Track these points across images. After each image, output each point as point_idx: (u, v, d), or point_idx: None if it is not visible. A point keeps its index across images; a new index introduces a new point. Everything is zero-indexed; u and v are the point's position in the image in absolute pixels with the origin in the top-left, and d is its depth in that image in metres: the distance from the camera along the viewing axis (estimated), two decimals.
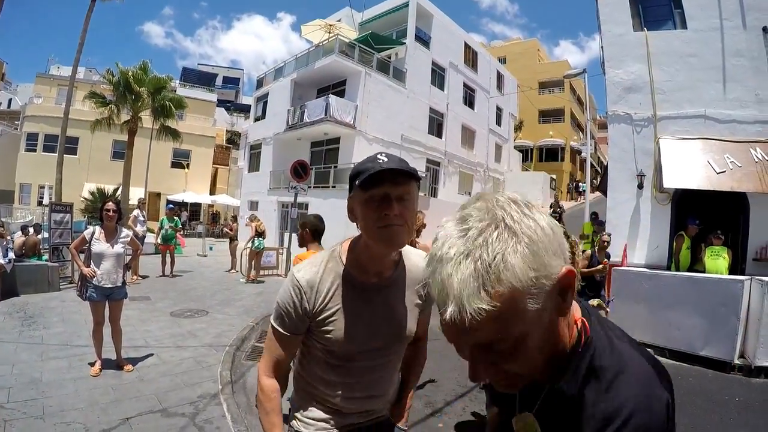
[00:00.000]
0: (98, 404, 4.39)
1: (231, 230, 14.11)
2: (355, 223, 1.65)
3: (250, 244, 12.67)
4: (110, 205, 5.42)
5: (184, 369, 5.62)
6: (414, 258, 1.80)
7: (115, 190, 26.42)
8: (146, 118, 24.79)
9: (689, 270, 7.47)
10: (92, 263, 5.18)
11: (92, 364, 5.21)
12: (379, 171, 1.49)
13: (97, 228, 5.43)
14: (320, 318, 1.65)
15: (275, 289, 11.01)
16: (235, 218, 13.96)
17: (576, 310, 0.96)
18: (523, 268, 0.75)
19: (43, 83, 32.58)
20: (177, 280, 11.91)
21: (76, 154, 29.34)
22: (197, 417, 4.37)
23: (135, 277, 11.27)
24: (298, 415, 1.82)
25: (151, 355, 6.06)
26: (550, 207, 17.70)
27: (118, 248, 5.40)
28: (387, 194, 1.52)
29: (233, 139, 42.15)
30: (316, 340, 1.70)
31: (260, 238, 12.81)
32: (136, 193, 24.35)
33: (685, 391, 5.48)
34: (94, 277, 5.10)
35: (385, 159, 1.55)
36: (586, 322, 0.94)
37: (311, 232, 4.94)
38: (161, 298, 9.60)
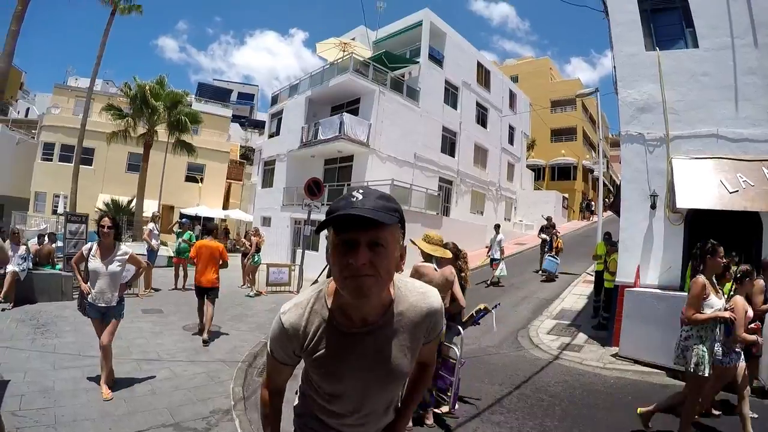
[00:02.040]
0: (110, 416, 4.42)
1: (250, 245, 13.56)
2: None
3: (251, 259, 12.80)
4: (106, 220, 5.07)
5: (196, 384, 5.66)
6: (411, 298, 1.68)
7: (129, 202, 26.85)
8: (162, 131, 25.35)
9: None
10: (89, 280, 5.06)
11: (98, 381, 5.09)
12: (340, 216, 1.37)
13: (94, 244, 5.16)
14: (307, 358, 1.67)
15: None
16: (257, 232, 13.95)
17: None
18: None
19: (60, 94, 33.32)
20: (189, 293, 11.90)
21: (91, 165, 29.91)
22: None
23: (148, 289, 11.39)
24: (299, 423, 1.91)
25: (164, 368, 6.07)
26: (540, 230, 17.48)
27: (114, 267, 5.06)
28: (354, 240, 1.38)
29: (247, 154, 42.60)
30: (309, 372, 1.74)
31: (258, 253, 12.92)
32: (150, 206, 24.74)
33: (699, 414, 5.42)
34: (89, 294, 4.98)
35: (360, 197, 1.40)
36: None
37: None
38: (174, 311, 9.71)
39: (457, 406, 5.19)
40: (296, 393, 1.96)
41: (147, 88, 24.35)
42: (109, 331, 5.02)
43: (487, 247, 16.01)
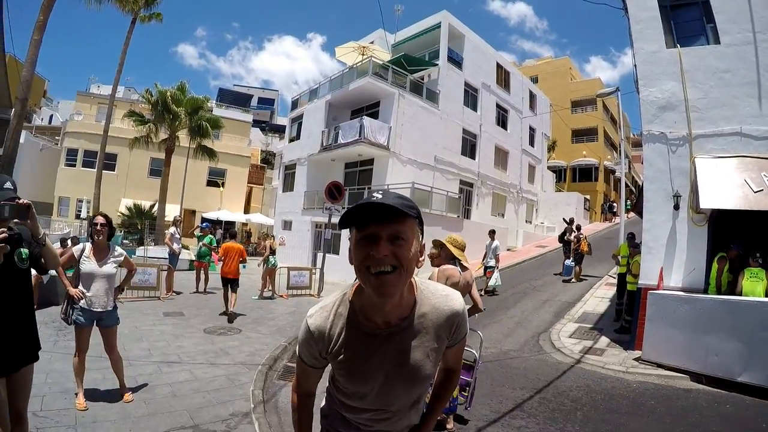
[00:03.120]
0: (130, 417, 4.45)
1: (264, 249, 13.77)
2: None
3: (264, 263, 12.93)
4: (99, 218, 4.68)
5: (216, 386, 5.67)
6: (433, 300, 1.70)
7: (152, 206, 27.36)
8: (183, 137, 25.75)
9: (725, 293, 7.23)
10: (80, 284, 4.65)
11: (76, 395, 4.64)
12: (363, 205, 1.43)
13: (87, 245, 4.78)
14: (333, 360, 1.70)
15: (308, 308, 11.05)
16: (267, 235, 14.10)
17: None
18: None
19: (83, 101, 34.09)
20: (210, 297, 12.10)
21: (114, 170, 30.61)
22: None
23: (169, 293, 11.57)
24: (325, 423, 1.95)
25: (185, 371, 6.12)
26: (563, 234, 17.26)
27: (109, 268, 4.75)
28: (375, 234, 1.43)
29: (268, 159, 43.03)
30: (334, 373, 1.77)
31: (273, 256, 13.02)
32: (172, 210, 25.14)
33: (722, 419, 5.31)
34: (81, 299, 4.56)
35: (380, 196, 1.45)
36: None
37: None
38: (195, 314, 9.79)
39: (471, 406, 5.15)
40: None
41: (168, 94, 24.82)
42: (112, 344, 4.85)
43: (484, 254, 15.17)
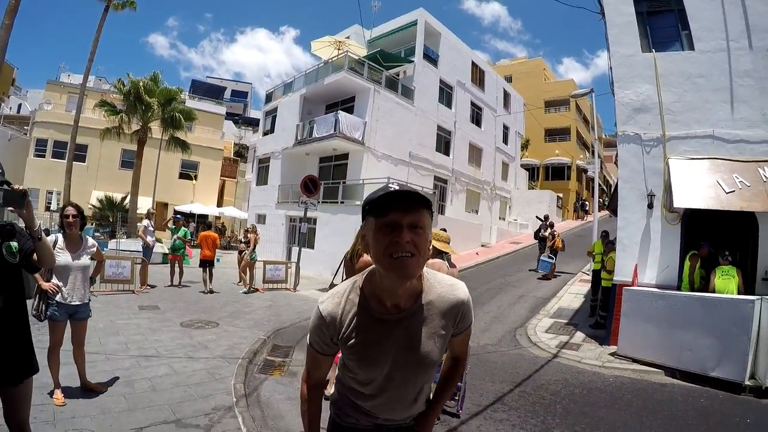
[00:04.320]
0: (111, 412, 4.40)
1: (247, 242, 13.49)
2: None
3: (247, 256, 12.86)
4: (70, 209, 4.54)
5: (197, 380, 5.62)
6: (439, 288, 1.78)
7: (123, 199, 26.86)
8: (156, 128, 25.32)
9: (698, 290, 7.48)
10: (54, 277, 4.51)
11: (51, 393, 4.50)
12: (389, 195, 1.52)
13: (60, 236, 4.62)
14: (343, 346, 1.77)
15: (284, 302, 11.39)
16: (254, 229, 14.00)
17: None
18: None
19: (53, 90, 33.19)
20: (185, 290, 11.98)
21: (84, 162, 29.82)
22: (212, 429, 4.38)
23: (144, 286, 11.40)
24: (334, 408, 2.01)
25: (164, 365, 6.04)
26: (538, 230, 17.65)
27: (84, 260, 4.71)
28: (397, 221, 1.51)
29: (241, 152, 42.66)
30: (345, 359, 1.84)
31: (254, 251, 13.04)
32: (144, 203, 24.73)
33: (697, 413, 5.49)
34: (56, 293, 4.45)
35: (396, 187, 1.56)
36: None
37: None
38: (170, 308, 9.66)
39: (462, 409, 5.25)
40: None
41: (141, 84, 24.29)
42: (82, 338, 4.81)
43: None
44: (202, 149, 32.55)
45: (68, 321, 4.64)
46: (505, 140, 32.10)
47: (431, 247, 1.73)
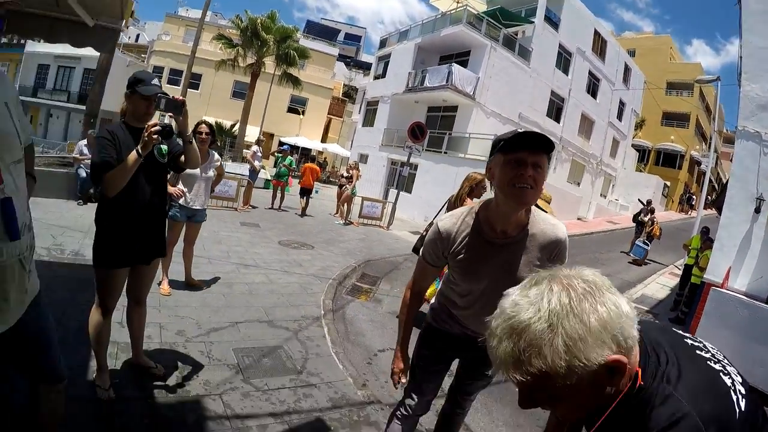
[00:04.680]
0: (210, 306, 4.96)
1: (350, 177, 14.06)
2: (490, 182, 1.98)
3: (348, 190, 13.43)
4: (203, 127, 5.04)
5: (290, 291, 6.16)
6: (542, 225, 2.06)
7: (232, 126, 28.41)
8: (269, 63, 26.27)
9: None
10: (180, 184, 4.99)
11: (159, 284, 5.00)
12: (521, 134, 1.78)
13: None
14: (453, 260, 2.13)
15: (377, 238, 12.05)
16: (356, 165, 14.65)
17: (636, 356, 1.07)
18: (553, 358, 0.94)
19: (171, 22, 35.31)
20: (284, 214, 12.74)
21: (197, 90, 31.67)
22: (299, 333, 4.85)
23: (246, 205, 12.21)
24: (432, 314, 2.48)
25: (261, 274, 6.59)
26: (638, 214, 16.94)
27: (210, 173, 5.28)
28: (523, 159, 1.79)
29: (349, 93, 43.20)
30: (450, 272, 2.24)
31: (354, 186, 13.63)
32: (251, 131, 26.18)
33: (751, 427, 5.40)
34: (181, 197, 4.94)
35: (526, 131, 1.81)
36: (640, 372, 1.06)
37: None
38: (270, 227, 10.33)
39: None
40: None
41: (258, 21, 25.29)
42: (194, 237, 5.39)
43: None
44: (312, 87, 33.40)
45: (186, 223, 5.18)
46: (620, 116, 30.43)
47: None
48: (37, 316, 1.73)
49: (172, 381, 3.34)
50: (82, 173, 9.03)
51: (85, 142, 9.58)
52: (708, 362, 1.21)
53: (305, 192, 13.29)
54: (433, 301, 2.52)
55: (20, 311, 1.61)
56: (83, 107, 16.20)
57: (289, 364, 4.10)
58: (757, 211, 7.78)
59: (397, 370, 2.42)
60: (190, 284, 5.42)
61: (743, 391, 1.14)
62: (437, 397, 2.63)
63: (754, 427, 1.12)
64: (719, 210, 9.44)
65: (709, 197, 23.89)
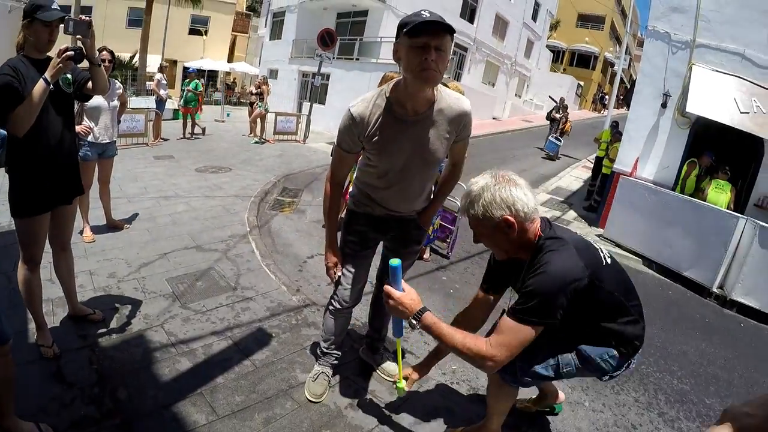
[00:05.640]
0: (136, 243, 4.89)
1: (260, 93, 13.68)
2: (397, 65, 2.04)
3: (260, 107, 13.09)
4: (105, 54, 4.51)
5: (213, 215, 6.21)
6: (448, 99, 2.21)
7: (132, 58, 26.19)
8: None
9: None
10: (85, 119, 4.70)
11: (81, 232, 4.81)
12: (423, 22, 1.84)
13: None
14: (368, 142, 2.23)
15: (294, 152, 11.89)
16: (265, 80, 14.04)
17: (536, 225, 1.95)
18: (478, 210, 1.89)
19: None
20: (197, 141, 12.27)
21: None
22: (228, 252, 4.97)
23: (157, 139, 11.52)
24: (352, 200, 2.59)
25: (182, 203, 6.55)
26: (550, 111, 17.59)
27: (115, 102, 4.94)
28: (427, 43, 1.88)
29: (254, 6, 40.40)
30: (367, 156, 2.31)
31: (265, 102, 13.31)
32: (153, 60, 23.87)
33: (663, 301, 6.04)
34: (89, 134, 4.66)
35: (428, 15, 1.87)
36: (540, 233, 1.94)
37: None
38: (185, 157, 10.00)
39: (452, 252, 5.97)
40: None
41: None
42: (108, 174, 5.14)
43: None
44: (213, 3, 30.79)
45: (98, 161, 4.89)
46: (534, 17, 30.56)
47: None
48: None
49: (112, 323, 3.35)
50: None
51: None
52: (586, 238, 2.11)
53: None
54: (351, 189, 2.61)
55: None
56: None
57: (222, 282, 4.22)
58: (664, 106, 8.17)
59: (331, 264, 2.57)
60: (112, 226, 5.26)
61: (609, 257, 2.02)
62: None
63: (619, 273, 2.04)
64: (629, 105, 9.88)
65: (621, 97, 24.94)
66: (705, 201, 7.16)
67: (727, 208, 7.03)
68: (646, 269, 7.17)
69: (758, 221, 6.19)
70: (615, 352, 2.04)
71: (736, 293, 6.16)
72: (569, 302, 1.77)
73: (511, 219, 1.82)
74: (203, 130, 12.74)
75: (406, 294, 1.95)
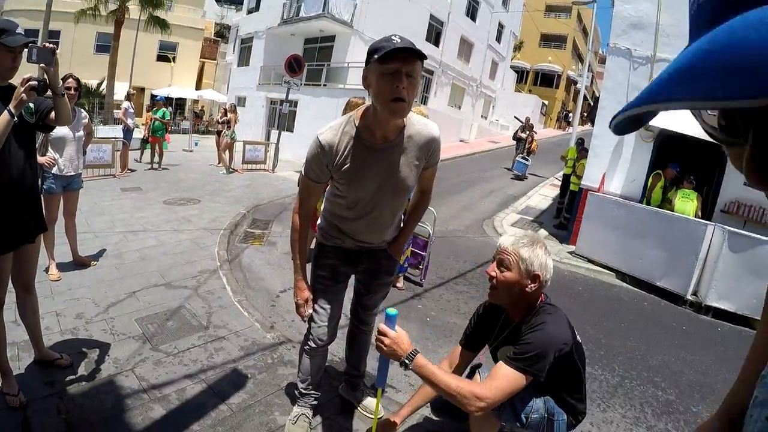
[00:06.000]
0: (104, 281, 4.68)
1: (227, 121, 13.45)
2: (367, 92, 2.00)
3: (226, 135, 12.86)
4: (71, 81, 4.41)
5: (182, 249, 6.02)
6: (417, 126, 2.18)
7: (99, 85, 25.68)
8: (133, 8, 23.41)
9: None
10: (50, 150, 4.53)
11: (46, 270, 4.56)
12: (395, 48, 1.82)
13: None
14: (337, 171, 2.16)
15: (263, 182, 11.70)
16: (233, 108, 13.90)
17: (541, 295, 2.15)
18: (527, 254, 2.03)
19: None
20: (165, 172, 11.97)
21: (57, 48, 27.87)
22: (199, 289, 4.80)
23: (125, 170, 11.23)
24: (320, 233, 2.50)
25: (150, 237, 6.34)
26: (518, 131, 17.84)
27: (80, 132, 4.75)
28: (399, 69, 1.85)
29: (222, 32, 40.49)
30: (335, 186, 2.23)
31: (233, 130, 13.07)
32: (120, 88, 23.59)
33: (638, 312, 6.08)
34: (53, 165, 4.48)
35: (399, 40, 1.86)
36: (543, 299, 2.15)
37: None
38: (153, 188, 9.76)
39: (426, 278, 5.88)
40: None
41: None
42: (74, 208, 4.93)
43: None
44: (181, 29, 30.68)
45: (63, 194, 4.72)
46: (498, 39, 31.18)
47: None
48: None
49: (81, 368, 3.18)
50: None
51: None
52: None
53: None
54: (319, 221, 2.53)
55: None
56: None
57: (194, 322, 4.07)
58: None
59: (302, 301, 2.45)
60: (78, 263, 5.03)
61: (578, 338, 2.16)
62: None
63: (583, 354, 2.17)
64: (593, 122, 10.07)
65: (584, 114, 25.47)
66: (673, 211, 7.29)
67: (695, 216, 7.19)
68: (620, 282, 7.24)
69: (726, 226, 6.36)
70: (567, 420, 2.23)
71: (711, 298, 6.28)
72: (552, 363, 1.96)
73: (541, 278, 2.04)
74: (160, 161, 12.37)
75: (399, 335, 1.96)
